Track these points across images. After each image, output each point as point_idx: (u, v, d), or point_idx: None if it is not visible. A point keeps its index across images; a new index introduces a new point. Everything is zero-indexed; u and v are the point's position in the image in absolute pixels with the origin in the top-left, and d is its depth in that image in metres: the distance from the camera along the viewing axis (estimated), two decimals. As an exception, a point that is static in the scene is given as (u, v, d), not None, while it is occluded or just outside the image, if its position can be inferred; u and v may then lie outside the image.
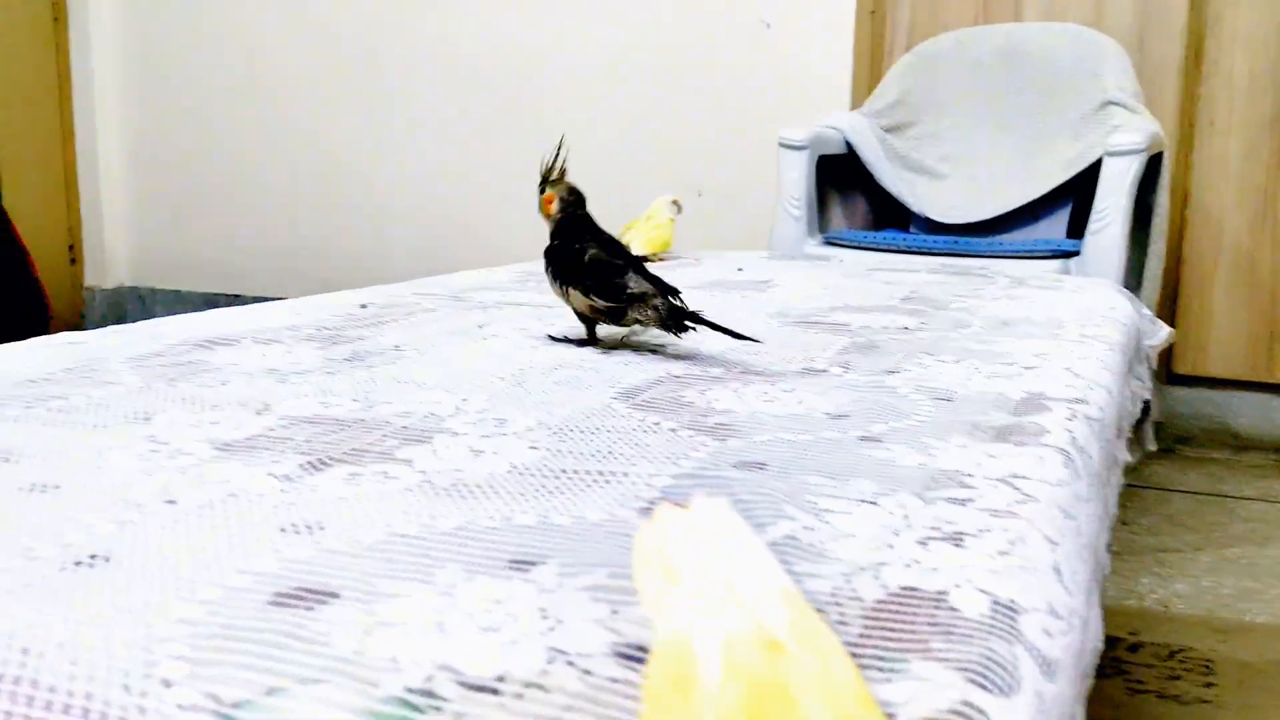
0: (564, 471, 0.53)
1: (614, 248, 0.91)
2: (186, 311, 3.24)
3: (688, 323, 0.82)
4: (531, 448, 0.57)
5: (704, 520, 0.33)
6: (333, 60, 3.02)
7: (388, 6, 2.95)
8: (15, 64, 2.91)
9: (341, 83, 3.03)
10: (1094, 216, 1.86)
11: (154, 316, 3.22)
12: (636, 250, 1.43)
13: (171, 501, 0.47)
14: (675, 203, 1.49)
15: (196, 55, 3.16)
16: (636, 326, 0.87)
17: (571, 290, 0.88)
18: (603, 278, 0.85)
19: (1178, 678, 1.33)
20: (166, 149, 3.26)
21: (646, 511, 0.47)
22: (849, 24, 2.62)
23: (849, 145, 2.23)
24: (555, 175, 0.96)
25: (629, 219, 2.78)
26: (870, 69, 2.62)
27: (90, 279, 3.29)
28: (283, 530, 0.44)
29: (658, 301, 0.83)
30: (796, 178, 2.08)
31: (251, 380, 0.71)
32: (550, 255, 0.92)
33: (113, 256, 3.32)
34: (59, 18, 3.11)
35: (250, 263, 3.22)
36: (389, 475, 0.52)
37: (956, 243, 2.01)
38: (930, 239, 2.06)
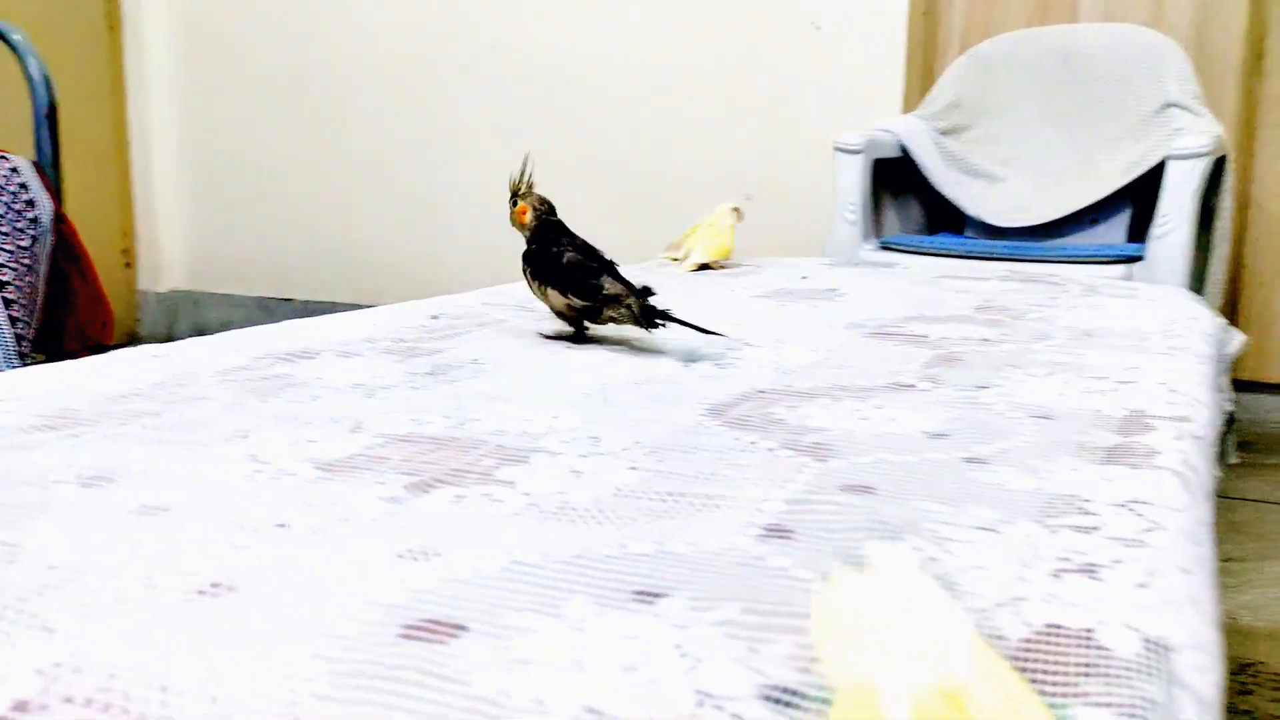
0: (669, 494, 0.52)
1: (589, 251, 0.98)
2: (238, 315, 3.26)
3: (658, 320, 0.89)
4: (631, 468, 0.56)
5: (883, 575, 0.32)
6: (388, 63, 3.04)
7: (443, 10, 2.96)
8: (70, 70, 2.94)
9: (397, 86, 3.04)
10: (1158, 221, 1.83)
11: (206, 321, 3.26)
12: (697, 258, 1.42)
13: (283, 525, 0.47)
14: (736, 210, 1.47)
15: (250, 60, 3.19)
16: (611, 325, 0.95)
17: (550, 290, 0.96)
18: (579, 279, 0.94)
19: (1249, 692, 1.31)
20: (220, 153, 3.29)
21: (763, 539, 0.46)
22: (901, 25, 2.60)
23: (903, 149, 2.21)
24: (524, 189, 1.07)
25: (678, 222, 2.78)
26: (923, 71, 2.60)
27: (144, 283, 3.33)
28: (400, 556, 0.43)
29: (630, 301, 0.91)
30: (852, 182, 2.06)
31: (339, 396, 0.71)
32: (529, 258, 1.00)
33: (167, 261, 3.35)
34: (113, 25, 3.15)
35: (303, 267, 3.25)
36: (494, 497, 0.51)
37: (1017, 247, 1.98)
38: (989, 244, 2.03)
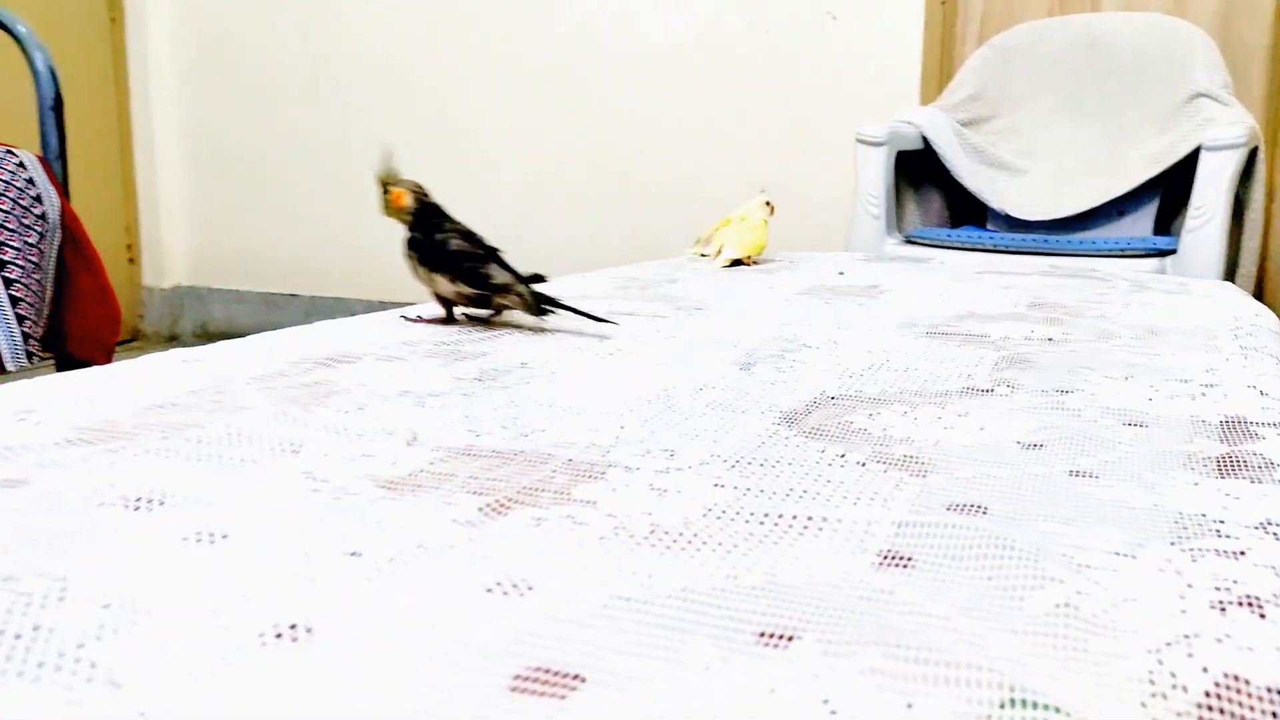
0: (765, 516, 0.48)
1: (472, 238, 1.00)
2: (243, 312, 3.20)
3: (548, 307, 0.94)
4: (716, 485, 0.52)
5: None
6: (397, 56, 2.99)
7: (454, 4, 2.91)
8: (73, 65, 2.89)
9: (406, 80, 2.99)
10: (1191, 213, 1.79)
11: (211, 317, 3.21)
12: (731, 254, 1.38)
13: (355, 554, 0.43)
14: (768, 203, 1.43)
15: (255, 53, 3.14)
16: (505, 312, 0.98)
17: (436, 276, 0.98)
18: (467, 267, 0.96)
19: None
20: (224, 148, 3.24)
21: (881, 567, 0.42)
22: (919, 15, 2.56)
23: (925, 141, 2.17)
24: (392, 176, 1.04)
25: (691, 217, 2.74)
26: (941, 61, 2.56)
27: (148, 279, 3.29)
28: (489, 590, 0.40)
29: (521, 289, 0.95)
30: (875, 175, 2.02)
31: (388, 404, 0.67)
32: (415, 244, 1.01)
33: (170, 256, 3.31)
34: (116, 18, 3.10)
35: (309, 262, 3.20)
36: (576, 520, 0.47)
37: (1047, 240, 1.94)
38: (1018, 237, 1.99)
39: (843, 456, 0.57)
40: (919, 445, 0.59)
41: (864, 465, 0.55)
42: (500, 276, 0.96)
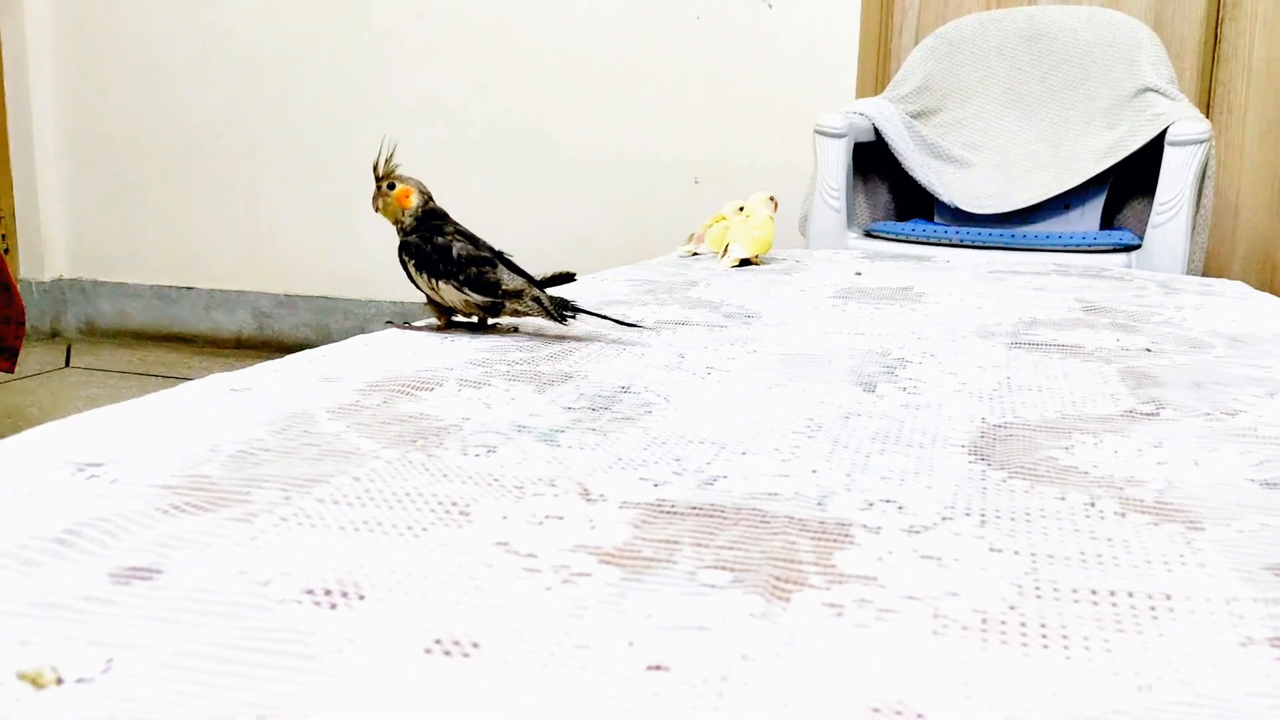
0: (1090, 593, 0.41)
1: (476, 241, 0.92)
2: (134, 306, 2.97)
3: (567, 313, 0.87)
4: (993, 550, 0.44)
5: None
6: (294, 35, 2.82)
7: (364, -21, 2.75)
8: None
9: (305, 59, 2.82)
10: (1158, 209, 1.80)
11: (99, 312, 2.98)
12: (739, 253, 1.30)
13: (660, 668, 0.34)
14: (772, 199, 1.36)
15: (145, 28, 2.92)
16: (517, 319, 0.91)
17: (441, 284, 0.89)
18: (475, 273, 0.88)
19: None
20: (108, 131, 3.01)
21: (1294, 662, 0.35)
22: (855, 4, 2.52)
23: (876, 132, 2.13)
24: (392, 171, 0.94)
25: (623, 207, 2.65)
26: (878, 52, 2.53)
27: (25, 271, 3.03)
28: (876, 711, 0.31)
29: (536, 294, 0.87)
30: (836, 167, 1.97)
31: (515, 443, 0.57)
32: (413, 249, 0.91)
33: (50, 247, 3.06)
34: (-12, -14, 2.84)
35: (206, 253, 3.00)
36: (880, 607, 0.39)
37: (1014, 236, 1.93)
38: (982, 231, 1.97)
39: (1091, 505, 0.50)
40: (1155, 487, 0.53)
41: (1123, 516, 0.49)
42: (512, 282, 0.88)
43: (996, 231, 1.97)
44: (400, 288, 2.83)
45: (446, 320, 0.92)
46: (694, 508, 0.49)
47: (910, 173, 2.14)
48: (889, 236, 1.96)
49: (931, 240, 1.93)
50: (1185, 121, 1.83)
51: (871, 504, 0.49)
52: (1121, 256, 1.81)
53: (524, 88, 2.67)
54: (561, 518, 0.46)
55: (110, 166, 3.04)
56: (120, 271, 3.10)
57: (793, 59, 2.56)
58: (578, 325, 0.89)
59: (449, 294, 0.90)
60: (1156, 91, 2.06)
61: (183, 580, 0.39)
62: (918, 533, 0.46)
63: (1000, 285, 1.19)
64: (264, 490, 0.49)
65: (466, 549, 0.43)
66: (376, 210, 0.94)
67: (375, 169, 0.93)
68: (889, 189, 2.26)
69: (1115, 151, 2.04)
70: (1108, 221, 2.15)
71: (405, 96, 2.77)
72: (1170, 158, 1.79)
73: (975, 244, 1.90)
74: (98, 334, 3.10)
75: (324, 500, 0.48)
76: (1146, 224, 2.09)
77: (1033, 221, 2.13)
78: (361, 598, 0.38)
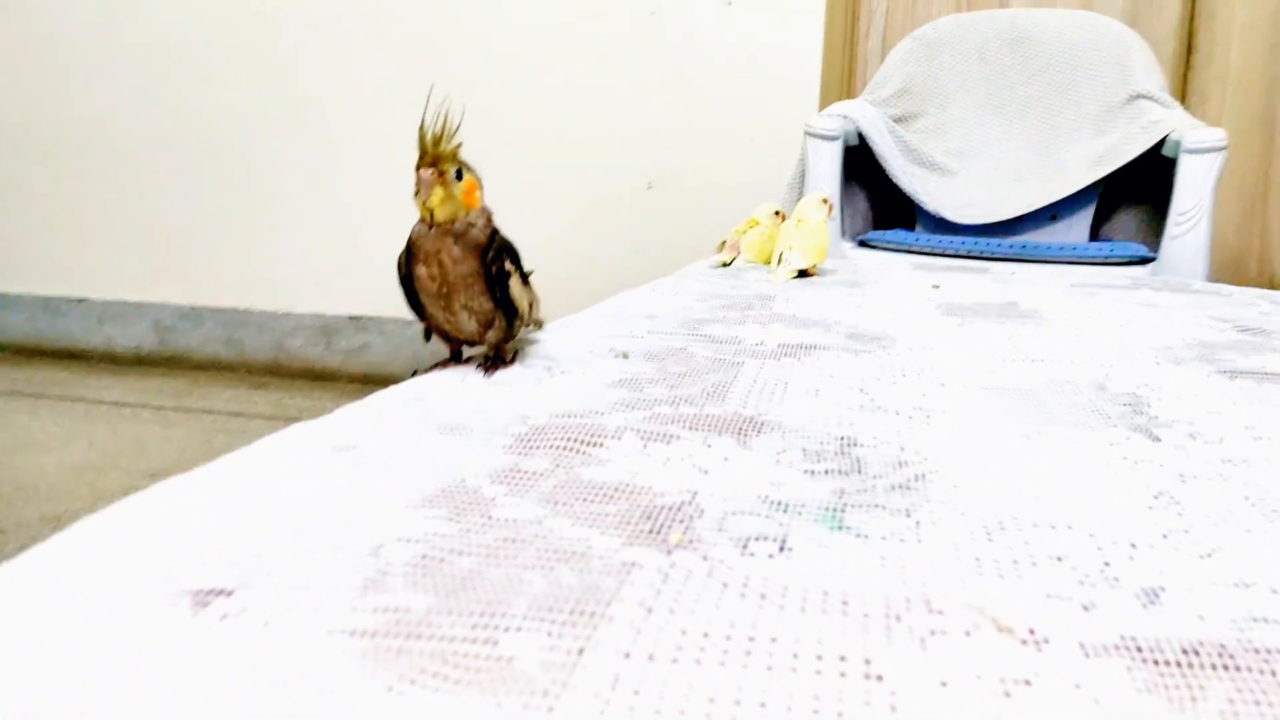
0: None
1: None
2: (17, 319, 2.64)
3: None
4: None
5: None
6: (213, 18, 2.56)
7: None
8: None
9: (226, 44, 2.56)
10: (1175, 219, 1.70)
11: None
12: (799, 263, 1.14)
13: None
14: (825, 201, 1.20)
15: (30, 5, 2.62)
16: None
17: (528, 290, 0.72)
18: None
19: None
20: (-8, 123, 2.70)
21: None
22: (820, 4, 2.39)
23: (859, 137, 2.00)
24: (457, 152, 0.66)
25: (573, 212, 2.47)
26: (844, 54, 2.41)
27: (-111, 281, 2.70)
28: None
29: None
30: (829, 171, 1.83)
31: (789, 530, 0.39)
32: (511, 251, 0.69)
33: (-81, 253, 2.73)
34: None
35: (101, 261, 2.71)
36: None
37: (1025, 247, 1.81)
38: (991, 241, 1.85)
39: None
40: None
41: None
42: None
43: (1006, 242, 1.85)
44: (322, 300, 2.59)
45: (457, 353, 0.70)
46: (1190, 652, 0.32)
47: (895, 180, 2.01)
48: (885, 246, 1.83)
49: (936, 251, 1.80)
50: (1199, 129, 1.74)
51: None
52: (1137, 269, 1.71)
53: (464, 83, 2.47)
54: (1023, 682, 0.29)
55: (-12, 163, 2.73)
56: (1, 280, 2.78)
57: (754, 59, 2.42)
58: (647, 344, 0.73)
59: (536, 310, 0.71)
60: (1149, 98, 1.98)
61: None
62: None
63: (1096, 300, 1.06)
64: (515, 638, 0.30)
65: (840, 690, 0.25)
66: (427, 203, 0.64)
67: (431, 142, 0.64)
68: (867, 197, 2.13)
69: (1108, 160, 1.95)
70: (1094, 233, 2.06)
71: (331, 89, 2.53)
72: (1187, 166, 1.70)
73: (985, 255, 1.78)
74: (-25, 350, 2.78)
75: (630, 655, 0.29)
76: (1138, 234, 2.01)
77: (1020, 231, 2.02)
78: None
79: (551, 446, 0.49)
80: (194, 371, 2.66)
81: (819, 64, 2.40)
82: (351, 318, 2.59)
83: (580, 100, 2.46)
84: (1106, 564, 0.38)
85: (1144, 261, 1.74)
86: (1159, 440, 0.55)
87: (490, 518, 0.39)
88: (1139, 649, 0.31)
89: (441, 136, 0.63)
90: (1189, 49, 2.27)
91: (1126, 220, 2.05)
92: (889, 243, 1.84)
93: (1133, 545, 0.40)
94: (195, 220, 2.66)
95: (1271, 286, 2.27)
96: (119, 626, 0.30)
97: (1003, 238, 1.97)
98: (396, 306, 2.52)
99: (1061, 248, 1.81)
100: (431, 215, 0.64)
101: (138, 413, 2.20)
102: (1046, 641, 0.32)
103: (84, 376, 2.56)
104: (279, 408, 2.26)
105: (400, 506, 0.40)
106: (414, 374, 0.65)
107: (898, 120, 2.10)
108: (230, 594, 0.32)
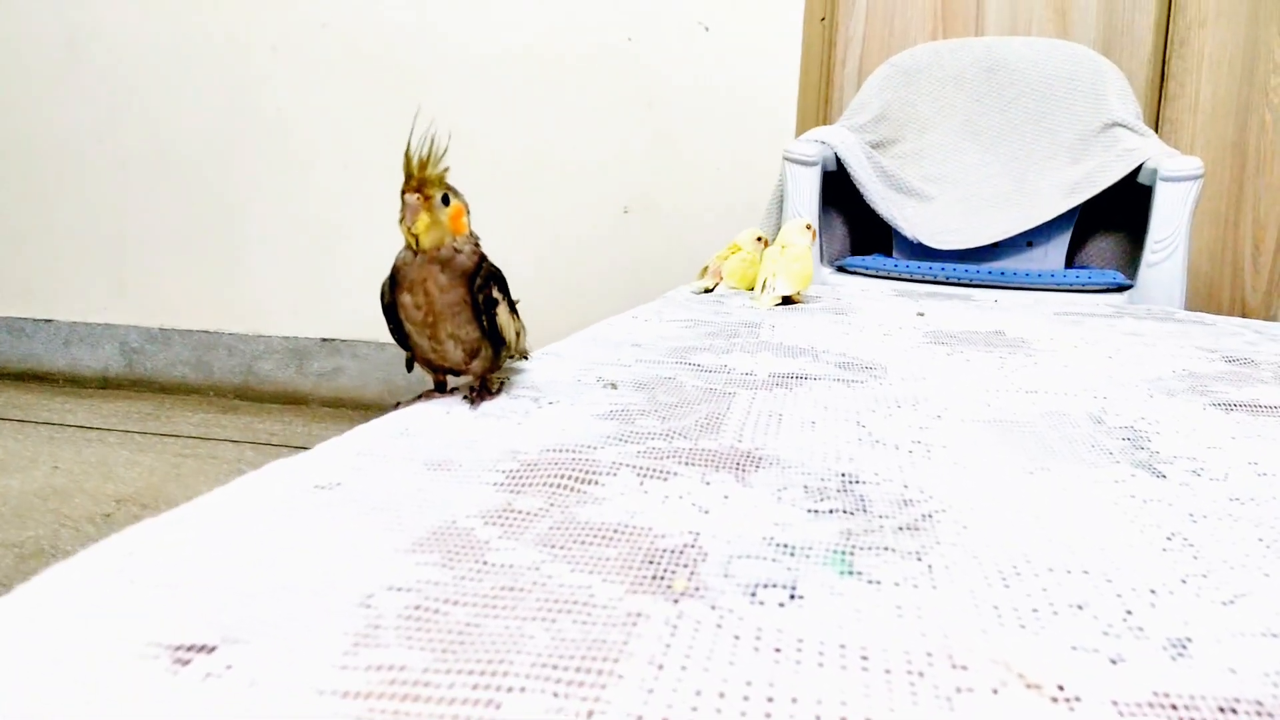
0: None
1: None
2: None
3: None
4: None
5: None
6: (181, 41, 2.53)
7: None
8: None
9: (192, 62, 2.54)
10: (1152, 248, 1.70)
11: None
12: (785, 289, 1.13)
13: None
14: (809, 227, 1.19)
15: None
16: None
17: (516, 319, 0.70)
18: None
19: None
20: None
21: None
22: (796, 31, 2.40)
23: (837, 162, 1.99)
24: (445, 177, 0.64)
25: (549, 236, 2.45)
26: (820, 81, 2.41)
27: None
28: None
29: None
30: (809, 197, 1.83)
31: (798, 576, 0.38)
32: (498, 279, 0.67)
33: (-121, 273, 2.68)
34: None
35: (66, 281, 2.67)
36: None
37: (1003, 274, 1.81)
38: (965, 268, 1.85)
39: None
40: None
41: None
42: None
43: (983, 268, 1.85)
44: (293, 323, 2.56)
45: (440, 383, 0.68)
46: (1228, 710, 0.30)
47: (873, 205, 2.01)
48: (864, 272, 1.82)
49: (914, 277, 1.80)
50: (1176, 157, 1.75)
51: None
52: (1115, 297, 1.71)
53: (433, 107, 2.45)
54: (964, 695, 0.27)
55: (-48, 182, 2.68)
56: (-39, 301, 2.73)
57: (729, 86, 2.42)
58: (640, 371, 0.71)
59: (522, 340, 0.69)
60: (1124, 126, 1.99)
61: None
62: None
63: (1081, 328, 1.05)
64: (519, 699, 0.28)
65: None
66: (412, 228, 0.61)
67: (416, 165, 0.61)
68: (844, 222, 2.13)
69: (1083, 188, 1.96)
70: (1070, 259, 2.07)
71: (302, 112, 2.51)
72: (1164, 194, 1.71)
73: (962, 281, 1.78)
74: (-65, 372, 2.72)
75: (643, 719, 0.27)
76: (1114, 260, 2.01)
77: (997, 258, 2.03)
78: None
79: (545, 484, 0.47)
80: (161, 394, 2.61)
81: (795, 90, 2.41)
82: (324, 340, 2.55)
83: (556, 126, 2.45)
84: (1129, 612, 0.36)
85: (1120, 289, 1.74)
86: (1164, 477, 0.54)
87: (485, 563, 0.37)
88: (1174, 706, 0.30)
89: (428, 160, 0.61)
90: (1162, 78, 2.29)
91: (1102, 247, 2.06)
92: (867, 268, 1.83)
93: (1153, 591, 0.38)
94: (163, 241, 2.62)
95: (1244, 314, 2.29)
96: (92, 686, 0.28)
97: (979, 264, 1.97)
98: (370, 329, 2.49)
99: (1040, 274, 1.81)
100: (417, 241, 0.61)
101: (104, 436, 2.16)
102: (1079, 699, 0.30)
103: (49, 399, 2.51)
104: (248, 432, 2.22)
105: (389, 551, 0.38)
106: (396, 405, 0.63)
107: (875, 146, 2.10)
108: (213, 650, 0.30)
